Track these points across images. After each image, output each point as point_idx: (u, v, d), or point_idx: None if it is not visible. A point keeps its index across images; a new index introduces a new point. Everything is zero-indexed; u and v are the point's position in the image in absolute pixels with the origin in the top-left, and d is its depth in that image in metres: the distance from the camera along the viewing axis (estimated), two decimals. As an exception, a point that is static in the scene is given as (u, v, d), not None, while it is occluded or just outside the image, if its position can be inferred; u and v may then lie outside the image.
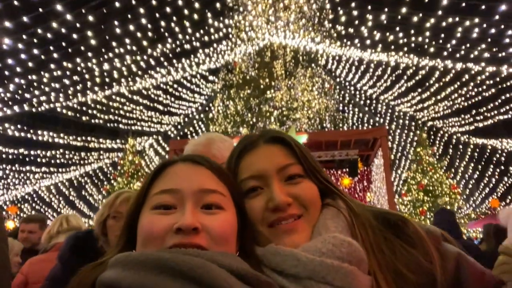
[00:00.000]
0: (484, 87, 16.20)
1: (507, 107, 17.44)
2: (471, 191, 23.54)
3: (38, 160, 18.28)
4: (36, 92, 13.69)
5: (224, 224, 0.96)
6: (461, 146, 21.79)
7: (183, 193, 0.95)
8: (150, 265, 0.79)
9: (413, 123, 20.00)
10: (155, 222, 0.92)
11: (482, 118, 19.01)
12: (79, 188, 22.01)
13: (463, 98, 17.60)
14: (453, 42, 11.76)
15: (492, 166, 22.26)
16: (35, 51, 11.07)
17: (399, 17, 10.50)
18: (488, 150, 21.83)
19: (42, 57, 11.57)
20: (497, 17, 9.62)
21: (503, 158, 21.84)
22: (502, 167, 22.34)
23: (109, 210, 2.18)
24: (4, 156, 17.40)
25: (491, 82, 15.65)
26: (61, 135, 17.79)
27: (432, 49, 12.34)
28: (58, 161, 19.11)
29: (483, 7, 9.52)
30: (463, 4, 9.53)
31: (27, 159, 18.02)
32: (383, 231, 1.01)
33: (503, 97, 16.91)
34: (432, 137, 20.40)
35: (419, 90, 17.68)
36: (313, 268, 0.91)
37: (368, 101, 19.76)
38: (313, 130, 17.13)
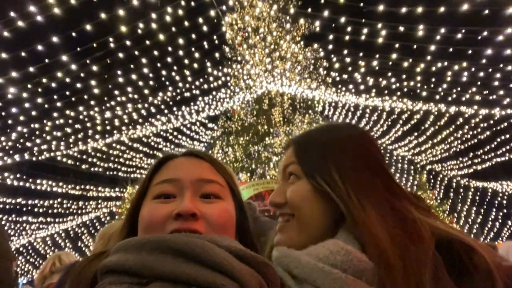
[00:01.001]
0: (479, 129, 16.47)
1: (504, 149, 17.61)
2: (476, 236, 23.02)
3: (35, 210, 18.07)
4: (38, 141, 13.86)
5: (222, 212, 0.99)
6: (462, 190, 21.69)
7: (183, 182, 0.99)
8: (151, 247, 0.82)
9: (412, 167, 20.10)
10: (155, 210, 0.96)
11: (480, 161, 19.11)
12: (75, 239, 21.54)
13: (459, 141, 17.83)
14: (444, 86, 12.17)
15: (494, 209, 21.99)
16: (39, 100, 11.39)
17: (390, 63, 10.94)
18: (489, 193, 21.69)
19: (46, 105, 11.87)
20: (484, 60, 10.03)
21: (504, 201, 21.65)
22: (505, 210, 22.08)
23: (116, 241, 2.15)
24: (1, 206, 17.21)
25: (485, 124, 15.94)
26: (60, 184, 17.72)
27: (424, 93, 12.73)
28: (55, 210, 18.87)
29: (470, 51, 9.98)
30: (451, 49, 9.98)
31: (24, 209, 17.81)
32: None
33: (498, 139, 17.14)
34: (432, 180, 20.42)
35: (416, 134, 17.94)
36: (307, 270, 0.91)
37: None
38: None
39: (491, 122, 15.42)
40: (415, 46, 10.16)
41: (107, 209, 20.17)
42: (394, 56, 10.35)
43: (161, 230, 0.92)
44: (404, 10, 8.51)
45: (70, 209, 19.10)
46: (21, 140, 13.54)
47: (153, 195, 0.99)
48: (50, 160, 15.92)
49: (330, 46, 11.05)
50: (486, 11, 8.10)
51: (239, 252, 0.84)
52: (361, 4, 8.79)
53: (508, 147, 17.21)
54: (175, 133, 18.27)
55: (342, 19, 9.32)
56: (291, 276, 0.95)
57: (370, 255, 0.89)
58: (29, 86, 10.62)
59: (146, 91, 12.83)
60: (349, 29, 9.52)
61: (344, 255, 0.89)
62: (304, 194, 1.04)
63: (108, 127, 14.49)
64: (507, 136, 16.41)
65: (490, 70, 10.58)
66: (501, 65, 10.24)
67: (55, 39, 9.29)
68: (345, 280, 0.86)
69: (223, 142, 19.91)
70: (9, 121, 12.17)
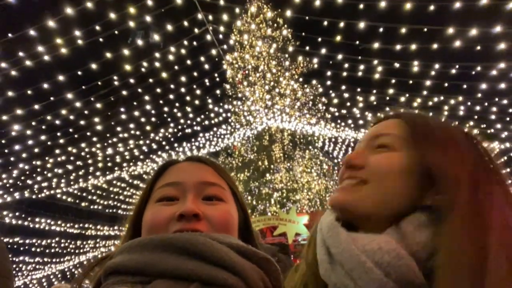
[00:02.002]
0: (479, 164, 16.44)
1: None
2: None
3: (33, 249, 17.71)
4: (38, 178, 13.85)
5: (224, 214, 1.01)
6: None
7: (185, 185, 1.02)
8: (153, 246, 0.84)
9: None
10: (159, 212, 0.99)
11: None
12: (71, 280, 20.89)
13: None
14: (442, 120, 12.29)
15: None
16: (42, 137, 11.51)
17: (387, 98, 11.17)
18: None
19: (49, 143, 11.98)
20: (479, 94, 10.25)
21: None
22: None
23: None
24: (-2, 245, 16.89)
25: (486, 159, 15.93)
26: (59, 222, 17.50)
27: (423, 127, 12.84)
28: (52, 250, 18.49)
29: (465, 86, 10.22)
30: (446, 84, 10.23)
31: (21, 248, 17.46)
32: None
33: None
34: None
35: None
36: (347, 257, 0.81)
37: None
38: (314, 211, 16.94)
39: (492, 155, 15.45)
40: (411, 82, 10.41)
41: (105, 248, 19.75)
42: (391, 91, 10.58)
43: (164, 231, 0.94)
44: (398, 47, 8.81)
45: (67, 248, 18.75)
46: (22, 178, 13.53)
47: (156, 198, 1.02)
48: (49, 197, 15.82)
49: (328, 82, 11.33)
50: (478, 47, 8.38)
51: (241, 248, 0.86)
52: (357, 42, 9.11)
53: (510, 182, 17.10)
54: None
55: (339, 56, 9.62)
56: (328, 251, 0.87)
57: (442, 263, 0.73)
58: (33, 123, 10.79)
59: (148, 128, 13.00)
60: (346, 65, 9.81)
61: (394, 257, 0.77)
62: (396, 165, 0.90)
63: (109, 164, 14.52)
64: (508, 169, 16.33)
65: (486, 104, 10.77)
66: (497, 99, 10.44)
67: (61, 77, 9.55)
68: (385, 284, 0.76)
69: (223, 179, 19.88)
70: (12, 159, 12.23)
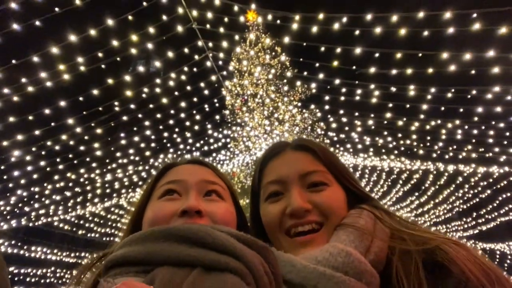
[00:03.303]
0: (480, 188, 16.41)
1: (506, 208, 17.39)
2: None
3: (28, 279, 17.26)
4: (36, 205, 13.71)
5: (225, 211, 1.04)
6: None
7: (187, 183, 1.05)
8: (155, 236, 0.85)
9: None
10: (161, 208, 1.01)
11: (484, 221, 18.76)
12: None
13: (461, 201, 17.66)
14: (440, 144, 12.39)
15: (505, 272, 21.05)
16: (42, 163, 11.49)
17: (385, 122, 11.27)
18: (498, 256, 20.94)
19: (48, 168, 11.94)
20: (476, 118, 10.36)
21: (515, 264, 20.86)
22: (517, 274, 21.15)
23: None
24: (-9, 275, 16.48)
25: (485, 183, 15.92)
26: (55, 251, 17.16)
27: (421, 152, 12.91)
28: (47, 280, 18.02)
29: (461, 110, 10.33)
30: (442, 108, 10.35)
31: (16, 278, 17.00)
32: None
33: (500, 198, 17.00)
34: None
35: (416, 193, 17.83)
36: (305, 275, 0.88)
37: (367, 207, 19.71)
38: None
39: (491, 180, 15.43)
40: (408, 106, 10.54)
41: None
42: (388, 115, 10.69)
43: None
44: (394, 71, 8.98)
45: (63, 278, 18.28)
46: (20, 205, 13.39)
47: (158, 195, 1.04)
48: (46, 225, 15.61)
49: (326, 107, 11.46)
50: (473, 71, 8.55)
51: (240, 237, 0.88)
52: (354, 67, 9.30)
53: (510, 206, 17.01)
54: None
55: (337, 81, 9.79)
56: (283, 280, 0.91)
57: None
58: (33, 149, 10.80)
59: (147, 153, 13.01)
60: (343, 90, 9.96)
61: (345, 256, 0.88)
62: (341, 199, 1.05)
63: (107, 190, 14.42)
64: (508, 194, 16.31)
65: (483, 127, 10.86)
66: (493, 122, 10.54)
67: (62, 103, 9.66)
68: (348, 284, 0.84)
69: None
70: (10, 185, 12.16)
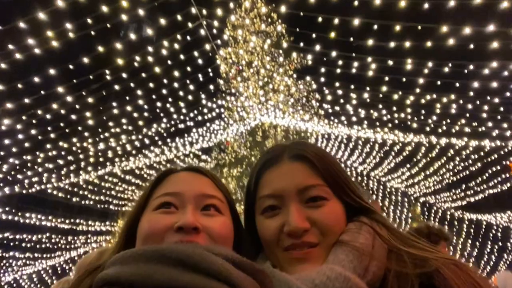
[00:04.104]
0: (470, 161, 16.64)
1: (495, 181, 17.74)
2: (473, 269, 22.66)
3: (23, 244, 17.52)
4: (29, 173, 13.68)
5: (223, 226, 1.00)
6: (456, 222, 21.58)
7: (185, 196, 1.00)
8: (147, 257, 0.81)
9: (406, 199, 20.08)
10: (156, 221, 0.96)
11: (473, 193, 19.17)
12: (62, 275, 20.75)
13: (451, 173, 17.95)
14: (434, 118, 12.42)
15: (490, 242, 21.83)
16: (33, 132, 11.36)
17: (381, 95, 11.22)
18: (484, 226, 21.60)
19: (39, 137, 11.83)
20: (471, 93, 10.33)
21: (499, 234, 21.53)
22: (500, 243, 21.91)
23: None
24: (-12, 240, 16.74)
25: (476, 156, 16.13)
26: (49, 217, 17.32)
27: (415, 125, 12.95)
28: (43, 245, 18.32)
29: (457, 84, 10.28)
30: (439, 82, 10.29)
31: (11, 243, 17.25)
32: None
33: (490, 171, 17.30)
34: (427, 212, 20.34)
35: (408, 165, 18.06)
36: None
37: (359, 178, 19.97)
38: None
39: (482, 154, 15.62)
40: (404, 79, 10.45)
41: (96, 244, 19.63)
42: (384, 88, 10.62)
43: (160, 241, 0.92)
44: (392, 44, 8.83)
45: (58, 244, 18.58)
46: (12, 172, 13.35)
47: (154, 207, 0.99)
48: (40, 192, 15.65)
49: (322, 79, 11.33)
50: (472, 46, 8.43)
51: (236, 260, 0.84)
52: (351, 39, 9.11)
53: (499, 179, 17.35)
54: (168, 165, 18.16)
55: (333, 53, 9.62)
56: None
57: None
58: (23, 117, 10.63)
59: (140, 123, 12.90)
60: (340, 62, 9.81)
61: (343, 282, 0.85)
62: (340, 214, 1.01)
63: (101, 159, 14.40)
64: (498, 167, 16.59)
65: (478, 102, 10.86)
66: (488, 98, 10.54)
67: (52, 71, 9.41)
68: None
69: (216, 173, 19.85)
70: (1, 153, 12.07)
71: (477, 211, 20.70)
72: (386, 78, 10.48)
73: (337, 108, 12.30)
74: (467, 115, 11.95)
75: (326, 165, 1.04)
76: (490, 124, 12.11)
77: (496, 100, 10.66)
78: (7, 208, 15.87)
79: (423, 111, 11.95)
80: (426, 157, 16.90)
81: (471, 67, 9.35)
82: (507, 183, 17.36)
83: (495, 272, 22.23)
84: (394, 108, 11.75)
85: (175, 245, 0.86)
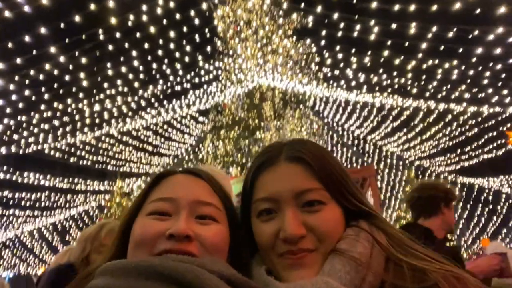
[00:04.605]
0: (467, 127, 16.70)
1: (491, 146, 17.91)
2: (462, 231, 23.47)
3: (23, 203, 17.81)
4: (25, 133, 13.62)
5: (217, 235, 0.96)
6: (449, 185, 21.97)
7: (179, 202, 0.96)
8: (139, 272, 0.78)
9: (401, 163, 20.33)
10: (148, 226, 0.93)
11: (468, 157, 19.40)
12: (63, 232, 21.33)
13: (447, 138, 18.06)
14: (435, 83, 12.27)
15: (480, 205, 22.41)
16: (26, 92, 11.16)
17: (382, 60, 10.98)
18: (476, 189, 22.06)
19: (33, 98, 11.64)
20: (474, 59, 10.14)
21: (490, 197, 22.05)
22: (491, 206, 22.51)
23: (92, 244, 2.02)
24: (-13, 199, 16.96)
25: (474, 122, 16.16)
26: (47, 177, 17.47)
27: (415, 90, 12.83)
28: (42, 204, 18.62)
29: (461, 50, 10.05)
30: (442, 47, 10.04)
31: (11, 202, 17.52)
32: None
33: (486, 137, 17.41)
34: (420, 176, 20.64)
35: (405, 130, 18.11)
36: None
37: (356, 141, 20.08)
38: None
39: (479, 119, 15.64)
40: (406, 44, 10.21)
41: (95, 203, 19.99)
42: (386, 53, 10.38)
43: (151, 247, 0.90)
44: (396, 7, 8.52)
45: (57, 202, 18.89)
46: (8, 133, 13.28)
47: (148, 211, 0.97)
48: (37, 153, 15.67)
49: (323, 42, 11.03)
50: (478, 11, 8.16)
51: (231, 278, 0.82)
52: (354, 1, 8.76)
53: (495, 144, 17.50)
54: (165, 127, 18.13)
55: (335, 15, 9.29)
56: None
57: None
58: (16, 78, 10.39)
59: (136, 84, 12.68)
60: (341, 25, 9.50)
61: None
62: (338, 219, 0.97)
63: (97, 120, 14.31)
64: (494, 133, 16.67)
65: (480, 68, 10.69)
66: (491, 64, 10.36)
67: (43, 30, 9.07)
68: None
69: (213, 136, 19.84)
70: (-5, 113, 11.93)
71: (471, 175, 21.07)
72: (389, 42, 10.22)
73: (336, 72, 12.07)
74: (468, 81, 11.81)
75: (324, 167, 0.99)
76: (490, 90, 12.01)
77: (499, 66, 10.48)
78: (4, 168, 15.96)
79: (424, 77, 11.77)
80: (423, 122, 16.91)
81: (476, 32, 9.10)
82: (502, 148, 17.53)
83: (484, 233, 23.07)
84: (395, 73, 11.56)
85: (167, 260, 0.83)
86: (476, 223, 22.97)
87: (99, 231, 2.06)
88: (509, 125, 15.50)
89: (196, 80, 13.72)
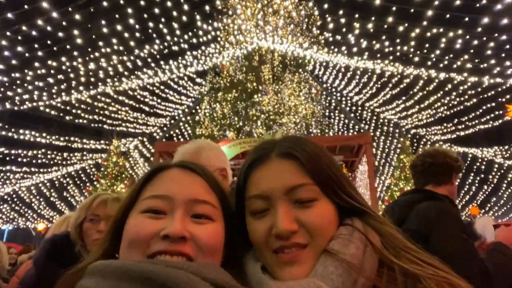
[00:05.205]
0: (466, 96, 16.59)
1: (488, 117, 17.91)
2: (452, 198, 23.91)
3: (19, 159, 17.85)
4: (19, 90, 13.40)
5: (212, 235, 0.95)
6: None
7: (175, 200, 0.94)
8: (131, 276, 0.77)
9: (397, 130, 20.35)
10: (143, 225, 0.91)
11: (464, 127, 19.44)
12: (60, 189, 21.57)
13: (445, 107, 17.99)
14: (437, 52, 12.04)
15: (472, 174, 22.74)
16: (19, 49, 10.85)
17: (385, 26, 10.68)
18: (469, 159, 22.28)
19: (26, 54, 11.34)
20: (479, 29, 9.88)
21: (483, 167, 22.34)
22: (482, 175, 22.84)
23: (86, 213, 2.09)
24: (-17, 155, 16.99)
25: (473, 92, 16.04)
26: (43, 134, 17.42)
27: (416, 58, 12.60)
28: (39, 161, 18.70)
29: (467, 19, 9.78)
30: (448, 16, 9.75)
31: (7, 158, 17.57)
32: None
33: (484, 107, 17.36)
34: (415, 144, 20.76)
35: (403, 98, 17.99)
36: None
37: (353, 108, 19.99)
38: (299, 135, 17.21)
39: (479, 89, 15.51)
40: (412, 10, 9.88)
41: (92, 161, 20.10)
42: (390, 19, 10.07)
43: (145, 247, 0.89)
44: (404, -28, 8.17)
45: (54, 159, 18.95)
46: (2, 89, 13.07)
47: (142, 209, 0.95)
48: (32, 110, 15.53)
49: (326, 6, 10.65)
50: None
51: (225, 286, 0.82)
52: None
53: (492, 115, 17.50)
54: (162, 87, 17.89)
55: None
56: None
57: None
58: (7, 33, 10.05)
59: (132, 43, 12.32)
60: (346, -12, 9.14)
61: None
62: (330, 215, 0.97)
63: (92, 79, 14.07)
64: (493, 104, 16.63)
65: (485, 38, 10.45)
66: (496, 35, 10.11)
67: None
68: None
69: (211, 98, 19.66)
70: (-12, 70, 11.65)
71: (465, 144, 21.20)
72: (394, 8, 9.87)
73: (338, 37, 11.75)
74: (471, 51, 11.57)
75: (316, 163, 0.98)
76: (493, 61, 11.81)
77: (504, 37, 10.24)
78: (0, 124, 15.87)
79: (427, 45, 11.52)
80: (423, 90, 16.77)
81: (484, 1, 8.80)
82: (499, 119, 17.54)
83: (473, 201, 23.59)
84: (398, 40, 11.28)
85: (161, 267, 0.82)
86: (467, 191, 23.41)
87: (92, 201, 2.12)
88: (508, 96, 15.42)
89: (194, 40, 13.36)
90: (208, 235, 0.93)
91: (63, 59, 11.90)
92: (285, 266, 0.94)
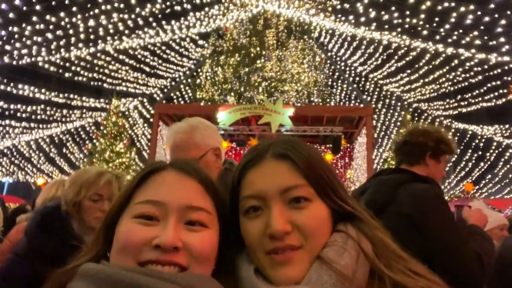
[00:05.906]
0: (472, 73, 16.32)
1: (492, 95, 17.71)
2: (447, 174, 24.16)
3: (18, 114, 17.79)
4: (17, 45, 13.12)
5: (206, 243, 0.94)
6: (449, 136, 22.08)
7: (168, 207, 0.92)
8: (122, 286, 0.78)
9: (399, 104, 20.18)
10: (134, 232, 0.90)
11: (466, 104, 19.28)
12: (60, 145, 21.66)
13: (450, 83, 17.74)
14: (447, 26, 11.71)
15: (470, 151, 22.79)
16: (17, 2, 10.52)
17: (396, -4, 10.32)
18: (468, 135, 22.26)
19: (24, 8, 11.01)
20: (492, 5, 9.55)
21: (481, 144, 22.34)
22: (480, 152, 22.89)
23: (87, 191, 2.04)
24: (-18, 109, 16.91)
25: (479, 69, 15.75)
26: (43, 90, 17.25)
27: (425, 32, 12.26)
28: (38, 116, 18.63)
29: (480, -7, 9.43)
30: (461, -11, 9.40)
31: (6, 113, 17.50)
32: None
33: (489, 85, 17.12)
34: (416, 119, 20.65)
35: (408, 71, 17.69)
36: None
37: (357, 78, 19.70)
38: (301, 104, 17.09)
39: (486, 67, 15.24)
40: (424, -19, 9.50)
41: (92, 119, 20.06)
42: (400, -11, 9.71)
43: (137, 254, 0.88)
44: None
45: (53, 116, 18.89)
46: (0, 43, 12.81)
47: (134, 214, 0.94)
48: (31, 65, 15.29)
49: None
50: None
51: None
52: None
53: (496, 94, 17.30)
54: (163, 48, 17.51)
55: None
56: None
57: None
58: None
59: (133, 1, 11.92)
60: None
61: None
62: (324, 217, 0.97)
63: (92, 36, 13.73)
64: (498, 82, 16.39)
65: (496, 15, 10.12)
66: (508, 12, 9.79)
67: None
68: None
69: (213, 61, 19.31)
70: (-15, 22, 11.34)
71: (466, 121, 21.11)
72: (406, -22, 9.49)
73: (346, 5, 11.37)
74: (481, 27, 11.24)
75: (310, 164, 0.98)
76: (502, 39, 11.51)
77: (516, 15, 9.93)
78: (-2, 78, 15.69)
79: (436, 19, 11.16)
80: (428, 64, 16.46)
81: (499, -24, 8.44)
82: (502, 98, 17.36)
83: (469, 177, 23.81)
84: (407, 12, 10.93)
85: (153, 280, 0.83)
86: (463, 167, 23.56)
87: (98, 178, 2.07)
88: (514, 75, 15.18)
89: (197, 1, 12.90)
90: (201, 243, 0.92)
91: (62, 14, 11.56)
92: (279, 266, 0.94)
